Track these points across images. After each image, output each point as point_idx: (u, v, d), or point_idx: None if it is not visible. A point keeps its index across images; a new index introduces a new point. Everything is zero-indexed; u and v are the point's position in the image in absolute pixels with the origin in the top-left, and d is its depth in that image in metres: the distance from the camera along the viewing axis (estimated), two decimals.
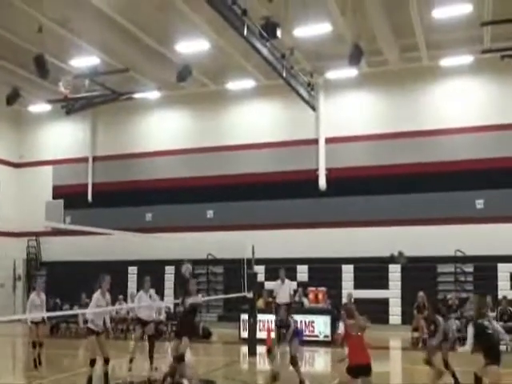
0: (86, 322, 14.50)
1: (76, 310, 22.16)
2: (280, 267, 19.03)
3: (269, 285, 21.35)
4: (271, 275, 21.19)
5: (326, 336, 20.12)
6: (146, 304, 15.19)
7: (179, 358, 12.57)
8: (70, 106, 24.73)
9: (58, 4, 18.40)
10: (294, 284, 21.02)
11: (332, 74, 24.63)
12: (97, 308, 13.29)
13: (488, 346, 10.07)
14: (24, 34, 21.49)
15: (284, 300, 18.25)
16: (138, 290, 23.24)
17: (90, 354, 13.11)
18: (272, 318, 18.88)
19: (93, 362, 13.20)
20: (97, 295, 13.36)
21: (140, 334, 15.58)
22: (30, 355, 15.53)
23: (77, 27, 20.87)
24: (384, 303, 23.42)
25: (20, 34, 21.60)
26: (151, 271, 25.57)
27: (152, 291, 16.23)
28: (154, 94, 26.93)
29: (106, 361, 13.49)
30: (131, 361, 14.69)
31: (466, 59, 23.09)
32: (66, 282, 25.41)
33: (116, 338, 17.28)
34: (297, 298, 21.90)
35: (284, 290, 18.48)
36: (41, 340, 15.91)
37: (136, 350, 15.02)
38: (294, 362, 13.73)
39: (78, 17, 19.26)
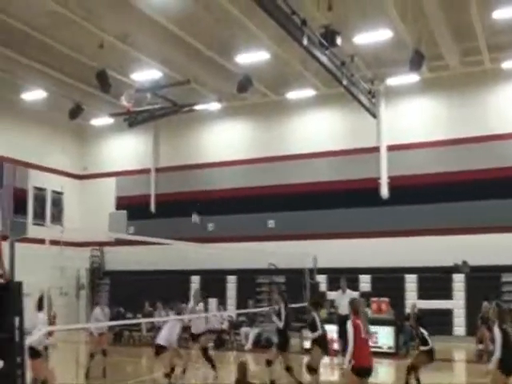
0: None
1: (139, 319, 22.60)
2: (337, 277, 18.95)
3: (331, 295, 21.19)
4: (333, 285, 21.05)
5: (389, 347, 19.75)
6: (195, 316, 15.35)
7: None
8: (132, 119, 25.10)
9: (118, 20, 18.77)
10: (355, 294, 20.82)
11: (393, 81, 24.37)
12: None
13: None
14: (86, 50, 22.01)
15: (345, 311, 18.04)
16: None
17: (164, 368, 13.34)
18: (334, 328, 18.81)
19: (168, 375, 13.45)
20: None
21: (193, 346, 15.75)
22: (93, 364, 15.82)
23: (137, 41, 21.24)
24: (448, 314, 22.98)
25: (82, 50, 22.09)
26: (213, 281, 25.97)
27: (201, 304, 16.02)
28: (214, 106, 27.14)
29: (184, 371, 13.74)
30: (184, 371, 14.73)
31: None
32: (128, 291, 25.79)
33: (180, 347, 17.49)
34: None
35: (345, 300, 18.25)
36: (104, 348, 16.14)
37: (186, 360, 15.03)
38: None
39: (139, 31, 19.59)
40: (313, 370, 13.46)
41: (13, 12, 19.12)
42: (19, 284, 7.55)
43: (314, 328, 13.67)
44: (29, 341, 9.03)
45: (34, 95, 25.99)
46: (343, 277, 19.14)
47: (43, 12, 19.18)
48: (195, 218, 21.63)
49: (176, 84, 23.71)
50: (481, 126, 23.82)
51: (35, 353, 11.39)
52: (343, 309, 17.83)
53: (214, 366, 15.34)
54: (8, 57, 21.76)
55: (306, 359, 18.65)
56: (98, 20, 19.49)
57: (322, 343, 13.55)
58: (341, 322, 18.40)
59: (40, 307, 11.72)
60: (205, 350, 15.46)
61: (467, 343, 20.78)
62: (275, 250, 22.91)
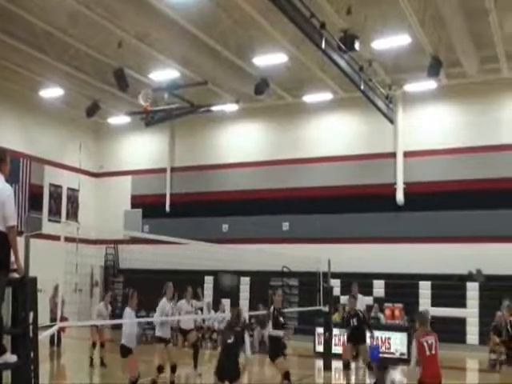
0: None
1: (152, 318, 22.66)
2: (350, 281, 18.95)
3: (344, 299, 21.15)
4: (347, 289, 20.98)
5: (402, 354, 19.65)
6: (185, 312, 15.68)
7: None
8: (149, 118, 25.16)
9: (137, 19, 18.81)
10: (366, 299, 20.81)
11: (410, 87, 24.25)
12: (163, 315, 13.55)
13: None
14: (104, 48, 22.18)
15: None
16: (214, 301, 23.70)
17: (159, 361, 13.31)
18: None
19: (161, 369, 13.42)
20: (162, 303, 13.68)
21: (182, 342, 15.83)
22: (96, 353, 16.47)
23: (156, 41, 21.32)
24: (461, 322, 22.85)
25: (100, 48, 22.26)
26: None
27: (194, 301, 17.03)
28: (231, 107, 27.10)
29: (173, 368, 13.67)
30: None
31: None
32: (142, 290, 25.77)
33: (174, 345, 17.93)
34: (372, 314, 21.65)
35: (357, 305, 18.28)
36: (103, 341, 17.70)
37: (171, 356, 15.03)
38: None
39: (157, 31, 19.63)
40: None
41: (34, 10, 19.29)
42: (34, 280, 7.61)
43: None
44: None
45: (52, 92, 26.13)
46: (355, 282, 19.14)
47: (64, 11, 19.35)
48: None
49: (193, 84, 23.80)
50: (497, 135, 23.73)
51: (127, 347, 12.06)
52: None
53: (195, 366, 15.45)
54: (28, 54, 21.88)
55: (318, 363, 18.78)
56: (117, 19, 19.59)
57: None
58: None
59: (127, 302, 12.60)
60: (195, 347, 15.66)
61: (480, 352, 20.65)
62: (289, 252, 22.89)
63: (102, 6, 18.73)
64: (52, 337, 19.84)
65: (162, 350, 13.81)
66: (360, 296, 18.46)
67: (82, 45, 21.83)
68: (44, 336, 8.38)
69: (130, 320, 12.34)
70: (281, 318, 13.61)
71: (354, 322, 15.15)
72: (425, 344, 9.89)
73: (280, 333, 13.39)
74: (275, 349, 13.49)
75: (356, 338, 15.07)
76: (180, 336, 16.57)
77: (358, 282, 20.15)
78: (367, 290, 23.74)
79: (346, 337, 15.86)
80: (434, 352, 9.86)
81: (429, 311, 11.83)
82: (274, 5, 14.25)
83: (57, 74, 23.81)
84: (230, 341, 10.78)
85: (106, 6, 18.56)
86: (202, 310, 22.33)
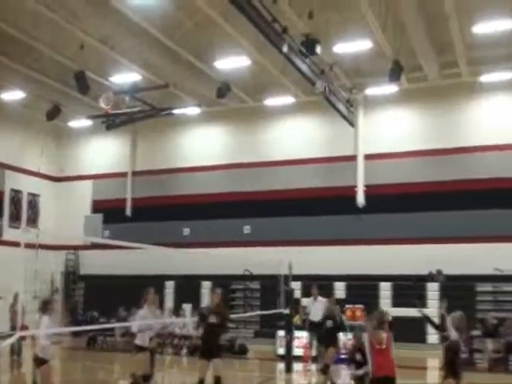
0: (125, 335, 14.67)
1: (114, 324, 22.48)
2: (310, 284, 19.09)
3: (305, 301, 21.23)
4: (308, 292, 21.06)
5: None
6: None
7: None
8: (110, 122, 24.95)
9: (99, 22, 18.72)
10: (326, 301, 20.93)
11: (371, 91, 24.51)
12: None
13: None
14: (65, 50, 21.95)
15: (317, 317, 18.19)
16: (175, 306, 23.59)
17: (142, 371, 13.05)
18: (306, 334, 18.98)
19: (147, 378, 13.18)
20: (143, 311, 13.39)
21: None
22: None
23: (117, 44, 21.19)
24: (422, 322, 22.99)
25: (61, 50, 22.01)
26: (188, 286, 25.89)
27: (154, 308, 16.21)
28: (193, 110, 27.04)
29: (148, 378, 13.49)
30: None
31: (507, 75, 22.82)
32: (103, 296, 25.65)
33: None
34: None
35: (316, 307, 18.38)
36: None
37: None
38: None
39: (119, 34, 19.55)
40: None
41: None
42: None
43: None
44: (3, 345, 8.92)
45: (12, 95, 25.78)
46: (315, 284, 19.24)
47: (24, 11, 19.09)
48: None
49: (155, 87, 23.67)
50: (457, 138, 24.11)
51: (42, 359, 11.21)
52: (315, 315, 17.98)
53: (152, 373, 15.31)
54: None
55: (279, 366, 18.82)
56: (79, 21, 19.42)
57: None
58: (312, 328, 18.58)
59: (44, 310, 11.31)
60: (152, 353, 15.49)
61: (440, 350, 20.87)
62: (251, 256, 22.93)
63: (65, 7, 18.55)
64: (13, 346, 19.48)
65: (145, 359, 13.52)
66: (320, 298, 18.59)
67: (43, 46, 21.52)
68: (4, 345, 8.23)
69: (47, 330, 11.61)
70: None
71: (329, 323, 15.23)
72: (376, 336, 9.78)
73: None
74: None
75: (327, 340, 15.15)
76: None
77: (319, 284, 20.27)
78: (328, 292, 23.86)
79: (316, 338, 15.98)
80: (384, 346, 9.68)
81: (388, 312, 11.90)
82: (236, 8, 14.29)
83: (17, 76, 23.51)
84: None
85: (68, 8, 18.40)
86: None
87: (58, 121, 27.89)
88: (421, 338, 22.29)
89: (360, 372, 13.11)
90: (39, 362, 11.39)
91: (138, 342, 13.35)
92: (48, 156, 31.04)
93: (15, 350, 20.24)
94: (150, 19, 18.99)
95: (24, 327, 12.35)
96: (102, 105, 21.90)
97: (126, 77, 23.41)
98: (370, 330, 9.96)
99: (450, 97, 24.26)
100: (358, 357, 13.38)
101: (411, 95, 24.71)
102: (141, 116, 24.54)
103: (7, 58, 21.99)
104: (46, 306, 11.42)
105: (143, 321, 13.28)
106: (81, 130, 30.49)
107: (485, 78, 23.15)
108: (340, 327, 15.65)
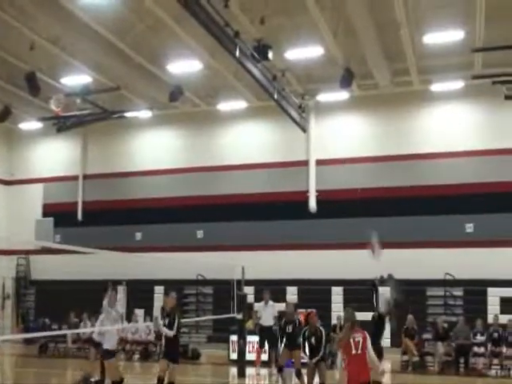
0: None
1: (65, 330, 22.21)
2: (263, 288, 19.13)
3: (257, 306, 21.24)
4: (261, 297, 21.09)
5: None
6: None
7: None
8: (61, 124, 24.68)
9: (50, 22, 18.40)
10: (278, 306, 20.97)
11: (323, 97, 24.68)
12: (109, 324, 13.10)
13: None
14: (16, 51, 21.48)
15: (268, 322, 18.28)
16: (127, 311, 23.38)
17: (113, 377, 12.83)
18: (257, 338, 19.01)
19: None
20: (106, 310, 13.21)
21: (94, 354, 15.52)
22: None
23: (69, 45, 20.88)
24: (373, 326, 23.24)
25: (11, 51, 21.57)
26: (140, 291, 25.68)
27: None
28: (145, 113, 26.87)
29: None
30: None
31: (457, 84, 23.19)
32: (55, 301, 25.29)
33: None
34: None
35: (268, 311, 18.46)
36: None
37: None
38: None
39: (70, 35, 19.25)
40: None
41: None
42: None
43: None
44: None
45: None
46: (266, 289, 19.30)
47: None
48: None
49: (106, 90, 23.45)
50: (408, 145, 24.39)
51: None
52: (266, 319, 18.07)
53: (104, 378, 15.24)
54: None
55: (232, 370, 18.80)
56: (29, 21, 19.00)
57: None
58: (262, 332, 18.63)
59: None
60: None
61: (392, 354, 21.12)
62: (203, 260, 22.84)
63: (15, 6, 18.13)
64: None
65: (115, 364, 13.30)
66: (271, 302, 18.61)
67: None
68: None
69: None
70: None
71: (290, 328, 15.28)
72: (351, 341, 9.43)
73: (170, 333, 13.11)
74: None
75: (291, 344, 15.21)
76: (92, 348, 16.19)
77: (272, 288, 20.32)
78: (281, 297, 23.93)
79: (281, 343, 16.00)
80: (360, 352, 9.37)
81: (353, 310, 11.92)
82: (188, 12, 14.24)
83: None
84: None
85: (19, 6, 18.01)
86: None
87: (9, 123, 27.35)
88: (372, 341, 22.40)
89: (313, 360, 13.29)
90: None
91: (106, 346, 13.16)
92: None
93: None
94: (101, 20, 18.77)
95: None
96: (53, 107, 21.65)
97: (77, 79, 23.11)
98: (343, 334, 9.70)
99: (401, 104, 24.55)
100: (313, 342, 13.59)
101: (362, 102, 24.93)
102: (92, 119, 24.35)
103: None
104: None
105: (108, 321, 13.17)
106: (31, 132, 29.96)
107: (435, 87, 23.49)
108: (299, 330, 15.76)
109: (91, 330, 15.49)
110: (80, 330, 21.55)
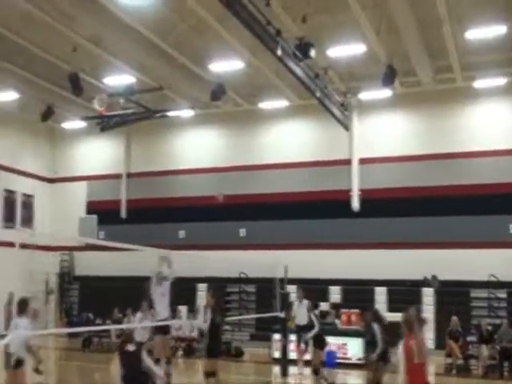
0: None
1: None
2: (297, 286, 19.08)
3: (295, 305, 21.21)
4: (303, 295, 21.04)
5: (358, 359, 19.73)
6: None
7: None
8: (104, 123, 24.95)
9: (92, 23, 18.54)
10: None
11: (365, 95, 24.45)
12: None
13: None
14: (59, 52, 21.76)
15: (302, 321, 18.15)
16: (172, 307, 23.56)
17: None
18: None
19: None
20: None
21: None
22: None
23: (111, 46, 21.03)
24: None
25: (55, 52, 21.84)
26: (183, 288, 25.81)
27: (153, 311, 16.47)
28: (187, 113, 26.97)
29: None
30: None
31: (500, 81, 22.80)
32: (98, 297, 25.61)
33: None
34: (329, 320, 21.74)
35: (302, 310, 18.36)
36: None
37: None
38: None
39: (113, 36, 19.37)
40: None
41: None
42: None
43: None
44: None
45: (5, 96, 25.63)
46: (300, 287, 19.20)
47: (17, 13, 18.89)
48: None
49: (149, 90, 23.62)
50: (451, 143, 24.01)
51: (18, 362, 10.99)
52: (300, 318, 17.95)
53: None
54: None
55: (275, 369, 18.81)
56: (72, 22, 19.21)
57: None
58: (298, 331, 18.56)
59: (21, 311, 11.01)
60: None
61: (436, 356, 20.85)
62: (246, 258, 22.87)
63: (57, 9, 18.28)
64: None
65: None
66: (305, 301, 18.58)
67: (36, 48, 21.37)
68: None
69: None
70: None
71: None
72: (414, 348, 8.65)
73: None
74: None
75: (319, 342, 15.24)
76: None
77: (314, 288, 20.24)
78: (324, 296, 23.85)
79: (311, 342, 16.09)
80: (422, 360, 8.61)
81: (419, 309, 11.60)
82: (230, 12, 14.20)
83: (10, 77, 23.26)
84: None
85: (61, 8, 18.15)
86: None
87: (52, 122, 27.80)
88: None
89: (373, 356, 13.06)
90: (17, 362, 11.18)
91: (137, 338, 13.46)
92: (42, 157, 30.99)
93: None
94: (144, 21, 18.86)
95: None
96: (96, 106, 21.88)
97: (119, 79, 23.29)
98: (414, 335, 8.82)
99: (444, 102, 24.17)
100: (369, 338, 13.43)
101: (405, 100, 24.65)
102: (135, 118, 24.53)
103: None
104: (23, 307, 11.08)
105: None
106: (75, 132, 30.37)
107: (478, 84, 23.10)
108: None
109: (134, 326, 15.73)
110: (123, 326, 21.72)
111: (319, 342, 15.94)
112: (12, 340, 10.38)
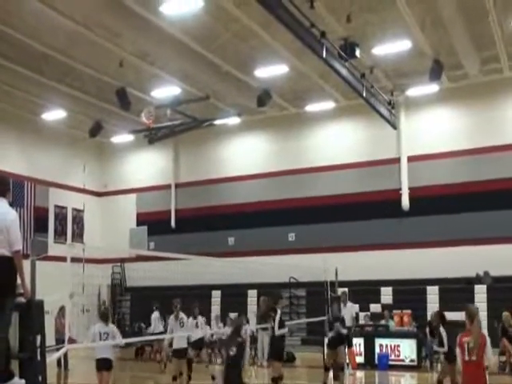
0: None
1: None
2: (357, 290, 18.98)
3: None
4: (354, 298, 20.87)
5: (411, 360, 19.46)
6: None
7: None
8: (152, 135, 25.24)
9: (137, 38, 18.77)
10: (356, 307, 20.70)
11: (413, 91, 24.17)
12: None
13: None
14: (105, 68, 22.15)
15: (347, 323, 17.97)
16: (222, 315, 23.61)
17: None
18: (359, 341, 18.80)
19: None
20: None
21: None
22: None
23: (157, 59, 21.32)
24: None
25: (102, 68, 22.23)
26: (234, 295, 25.89)
27: (200, 318, 17.55)
28: (234, 120, 27.09)
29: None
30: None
31: None
32: (150, 307, 25.77)
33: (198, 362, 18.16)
34: (383, 321, 21.54)
35: (346, 313, 18.19)
36: None
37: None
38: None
39: (158, 48, 19.59)
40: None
41: (31, 33, 19.17)
42: (40, 303, 7.54)
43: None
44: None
45: (54, 115, 26.12)
46: (344, 290, 19.06)
47: (62, 32, 19.23)
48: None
49: (195, 100, 23.82)
50: (501, 135, 23.62)
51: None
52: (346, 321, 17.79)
53: (189, 377, 16.21)
54: (28, 77, 21.83)
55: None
56: (117, 38, 19.59)
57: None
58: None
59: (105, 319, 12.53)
60: (189, 362, 16.05)
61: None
62: (296, 263, 22.80)
63: (101, 25, 18.63)
64: (59, 358, 19.60)
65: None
66: (350, 303, 18.39)
67: (82, 65, 21.77)
68: (52, 359, 8.31)
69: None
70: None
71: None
72: (465, 346, 8.57)
73: (284, 330, 14.26)
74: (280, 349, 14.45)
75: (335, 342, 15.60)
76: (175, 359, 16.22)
77: (366, 289, 20.03)
78: (375, 298, 23.64)
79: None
80: (474, 358, 8.41)
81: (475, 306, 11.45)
82: (274, 17, 14.23)
83: (58, 95, 23.74)
84: (232, 353, 10.60)
85: (105, 25, 18.49)
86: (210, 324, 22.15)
87: (101, 137, 28.20)
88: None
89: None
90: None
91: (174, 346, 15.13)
92: (91, 172, 31.37)
93: (61, 363, 20.40)
94: (187, 31, 19.03)
95: (71, 340, 12.45)
96: (144, 119, 22.12)
97: (166, 90, 23.56)
98: (474, 329, 8.72)
99: (492, 93, 23.78)
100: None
101: (452, 94, 24.31)
102: (182, 128, 24.77)
103: (46, 77, 22.18)
104: (106, 316, 12.62)
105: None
106: (123, 145, 30.82)
107: None
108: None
109: (187, 334, 16.02)
110: (176, 335, 21.78)
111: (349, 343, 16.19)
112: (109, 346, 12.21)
